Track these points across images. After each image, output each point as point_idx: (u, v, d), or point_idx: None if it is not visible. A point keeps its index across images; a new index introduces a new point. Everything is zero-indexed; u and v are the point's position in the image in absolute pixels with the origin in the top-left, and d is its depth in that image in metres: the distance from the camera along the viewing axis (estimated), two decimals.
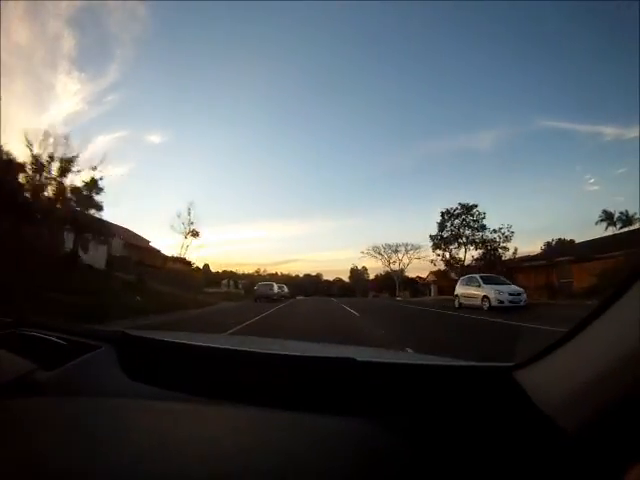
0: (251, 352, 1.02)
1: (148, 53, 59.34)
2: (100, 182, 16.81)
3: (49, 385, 0.93)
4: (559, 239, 32.90)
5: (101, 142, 46.70)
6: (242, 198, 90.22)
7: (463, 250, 29.97)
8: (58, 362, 0.99)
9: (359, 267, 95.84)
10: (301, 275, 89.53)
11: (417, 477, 0.60)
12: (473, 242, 29.11)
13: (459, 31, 52.31)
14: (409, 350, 4.31)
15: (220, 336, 2.95)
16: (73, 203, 16.00)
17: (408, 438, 0.67)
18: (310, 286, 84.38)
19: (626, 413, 0.51)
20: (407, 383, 0.81)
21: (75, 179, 16.12)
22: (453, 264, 30.70)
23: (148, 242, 30.36)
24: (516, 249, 26.79)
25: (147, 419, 0.77)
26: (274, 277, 78.68)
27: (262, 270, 77.22)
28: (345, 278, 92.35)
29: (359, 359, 0.84)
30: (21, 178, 14.07)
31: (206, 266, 41.48)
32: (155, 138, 66.35)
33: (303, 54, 62.96)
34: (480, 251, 28.19)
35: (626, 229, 23.32)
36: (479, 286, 14.11)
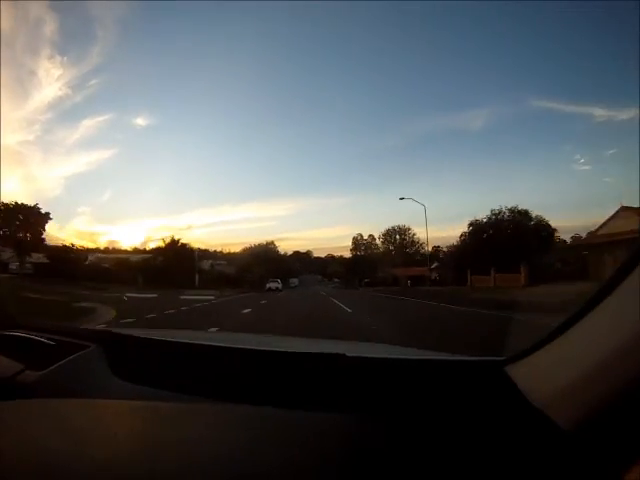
0: (241, 349, 1.01)
1: (132, 34, 53.25)
2: None
3: (38, 386, 0.91)
4: None
5: (86, 126, 41.48)
6: (231, 178, 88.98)
7: None
8: (46, 362, 0.97)
9: (364, 236, 75.06)
10: (289, 253, 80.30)
11: (408, 473, 0.60)
12: None
13: (451, 9, 47.20)
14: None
15: (209, 333, 2.71)
16: None
17: (399, 433, 0.67)
18: (298, 266, 77.32)
19: (620, 407, 0.50)
20: (397, 378, 0.80)
21: None
22: None
23: None
24: None
25: (136, 419, 0.78)
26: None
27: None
28: (341, 254, 78.13)
29: (349, 355, 0.84)
30: None
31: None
32: (142, 120, 64.53)
33: (290, 29, 57.16)
34: None
35: None
36: None
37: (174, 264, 30.41)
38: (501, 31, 48.45)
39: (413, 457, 0.62)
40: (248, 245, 58.85)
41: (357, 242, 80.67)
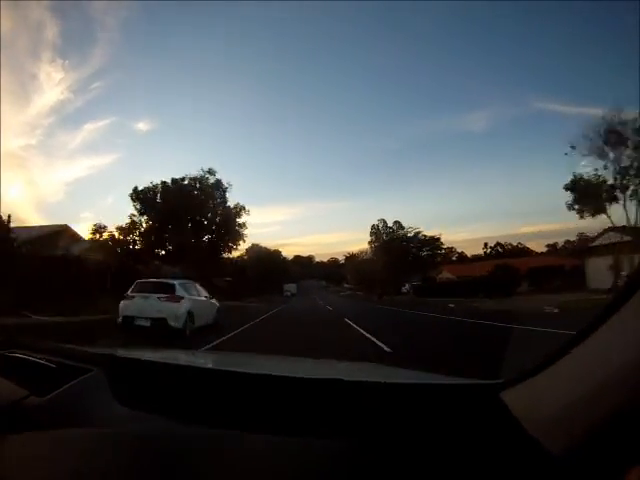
0: (242, 373, 1.04)
1: (134, 38, 38.47)
2: None
3: (41, 413, 0.90)
4: None
5: (88, 130, 42.04)
6: (232, 184, 48.69)
7: None
8: (48, 387, 0.97)
9: (387, 223, 53.19)
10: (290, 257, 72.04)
11: None
12: None
13: (452, 12, 47.20)
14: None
15: (210, 354, 2.68)
16: None
17: (395, 458, 0.68)
18: (298, 270, 71.49)
19: (617, 432, 0.50)
20: (393, 403, 0.81)
21: None
22: None
23: None
24: None
25: (140, 449, 0.78)
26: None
27: None
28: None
29: (346, 379, 0.88)
30: None
31: None
32: (143, 125, 46.46)
33: (292, 34, 60.09)
34: None
35: None
36: None
37: None
38: (502, 33, 49.92)
39: None
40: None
41: (377, 231, 58.23)
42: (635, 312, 0.52)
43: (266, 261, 34.88)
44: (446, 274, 33.11)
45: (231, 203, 24.46)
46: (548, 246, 56.03)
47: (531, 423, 0.60)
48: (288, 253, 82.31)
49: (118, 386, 1.00)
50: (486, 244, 62.45)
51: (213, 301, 9.19)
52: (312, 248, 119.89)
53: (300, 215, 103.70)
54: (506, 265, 22.80)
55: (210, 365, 1.17)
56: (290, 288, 51.88)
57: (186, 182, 23.10)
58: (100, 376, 1.03)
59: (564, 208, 19.45)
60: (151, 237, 20.41)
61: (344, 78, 76.25)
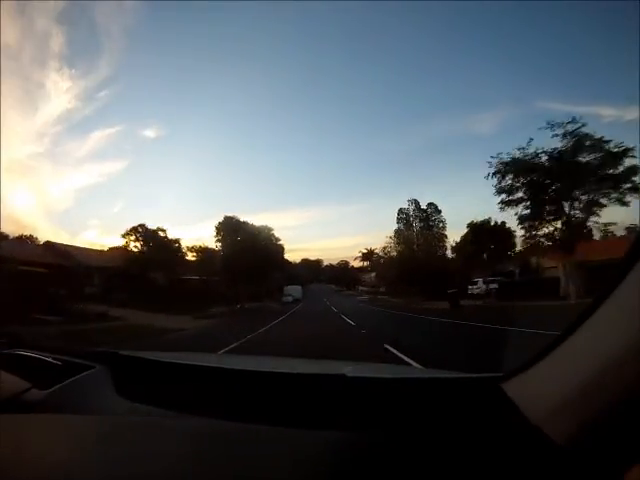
0: (244, 371, 1.05)
1: (139, 45, 40.87)
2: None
3: (43, 404, 0.94)
4: None
5: (96, 138, 49.66)
6: (241, 189, 72.11)
7: None
8: (52, 382, 1.00)
9: (420, 204, 41.64)
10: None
11: None
12: None
13: (460, 13, 48.33)
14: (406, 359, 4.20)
15: (212, 355, 2.59)
16: None
17: (398, 451, 0.69)
18: (305, 273, 68.34)
19: (616, 419, 0.51)
20: (396, 397, 0.83)
21: None
22: None
23: None
24: None
25: (138, 436, 0.79)
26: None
27: None
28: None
29: (349, 375, 0.88)
30: None
31: None
32: (151, 132, 64.85)
33: (299, 35, 56.35)
34: None
35: None
36: None
37: None
38: (509, 34, 50.44)
39: (412, 473, 0.62)
40: None
41: (407, 217, 45.64)
42: (626, 298, 0.51)
43: (252, 247, 22.88)
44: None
45: None
46: None
47: (532, 413, 0.61)
48: (296, 258, 78.50)
49: (121, 381, 1.03)
50: None
51: None
52: (320, 253, 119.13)
53: (309, 220, 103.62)
54: None
55: (209, 363, 1.19)
56: (293, 292, 39.57)
57: None
58: (102, 372, 1.07)
59: None
60: None
61: (354, 81, 75.38)
